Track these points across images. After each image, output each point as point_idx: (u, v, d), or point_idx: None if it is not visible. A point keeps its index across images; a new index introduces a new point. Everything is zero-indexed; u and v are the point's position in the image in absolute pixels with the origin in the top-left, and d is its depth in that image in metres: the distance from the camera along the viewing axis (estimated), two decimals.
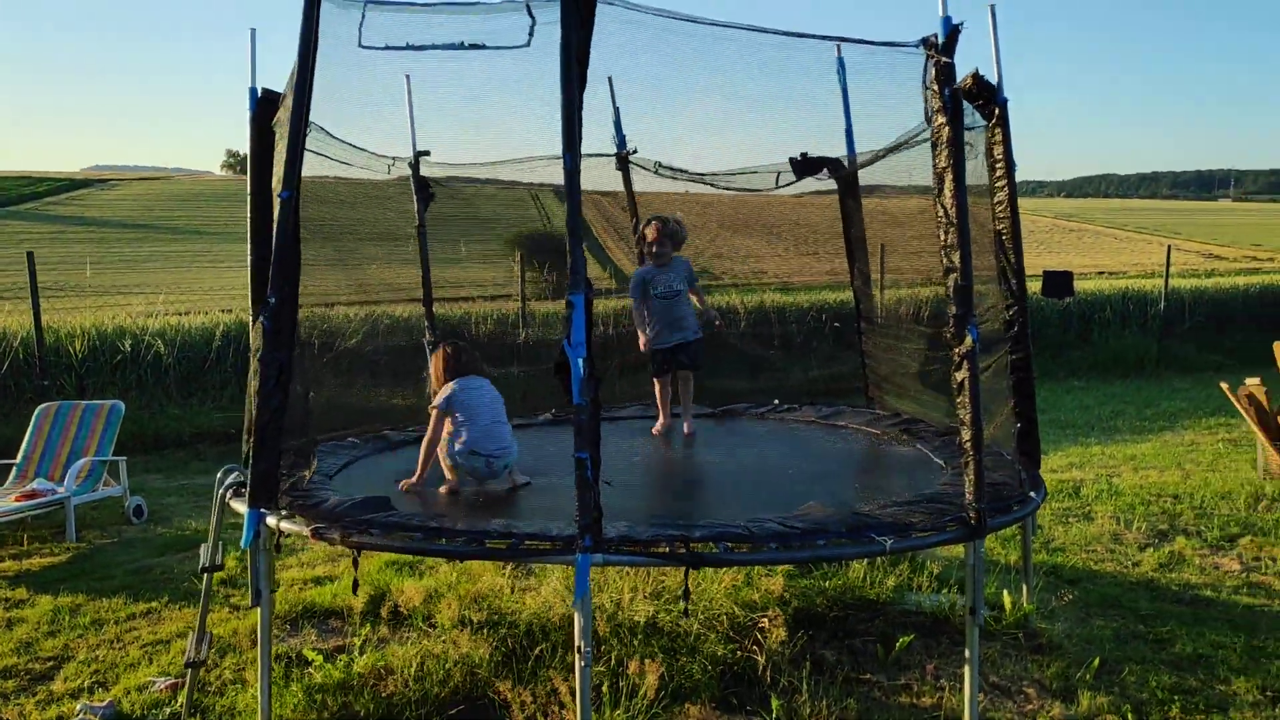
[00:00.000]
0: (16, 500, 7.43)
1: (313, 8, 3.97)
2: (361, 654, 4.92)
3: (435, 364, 5.09)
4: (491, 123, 5.77)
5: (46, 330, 11.27)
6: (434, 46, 3.86)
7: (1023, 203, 5.05)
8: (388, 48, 3.96)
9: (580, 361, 3.57)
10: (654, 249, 6.07)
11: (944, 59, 3.92)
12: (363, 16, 3.97)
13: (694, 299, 6.23)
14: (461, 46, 3.81)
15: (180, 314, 14.15)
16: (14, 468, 8.15)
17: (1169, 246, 18.83)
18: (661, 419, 6.32)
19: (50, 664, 5.16)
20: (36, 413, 8.46)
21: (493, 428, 4.83)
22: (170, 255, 40.86)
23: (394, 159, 6.41)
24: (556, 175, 6.85)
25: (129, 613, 5.85)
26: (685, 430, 6.24)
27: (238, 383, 12.04)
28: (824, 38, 4.57)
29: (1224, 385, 8.81)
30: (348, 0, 4.16)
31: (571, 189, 3.62)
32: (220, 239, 47.57)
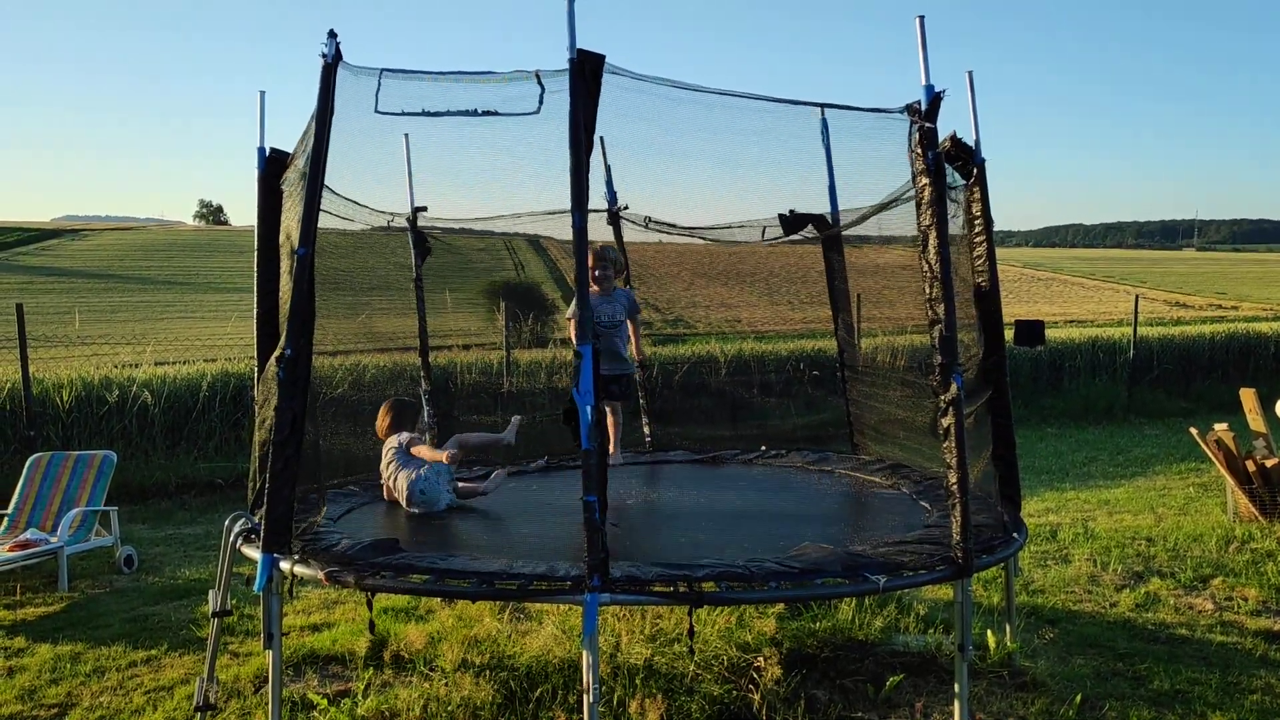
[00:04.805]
0: (10, 550, 7.47)
1: (329, 77, 4.19)
2: (365, 697, 5.02)
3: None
4: (482, 176, 5.96)
5: (32, 381, 11.29)
6: (448, 113, 4.05)
7: None
8: (403, 113, 4.15)
9: (588, 409, 3.75)
10: (595, 274, 6.16)
11: (927, 124, 4.17)
12: (379, 85, 4.16)
13: (630, 330, 6.38)
14: (475, 113, 4.01)
15: (155, 364, 14.12)
16: (5, 518, 8.18)
17: (1136, 296, 19.22)
18: None
19: (55, 711, 5.21)
20: (28, 463, 8.50)
21: None
22: (140, 306, 40.76)
23: (393, 215, 6.60)
24: (535, 226, 7.10)
25: (130, 660, 5.91)
26: (611, 461, 6.24)
27: (223, 434, 12.10)
28: (813, 104, 4.83)
29: (1194, 431, 9.07)
30: (361, 69, 4.37)
31: (580, 246, 3.81)
32: (192, 289, 47.57)
